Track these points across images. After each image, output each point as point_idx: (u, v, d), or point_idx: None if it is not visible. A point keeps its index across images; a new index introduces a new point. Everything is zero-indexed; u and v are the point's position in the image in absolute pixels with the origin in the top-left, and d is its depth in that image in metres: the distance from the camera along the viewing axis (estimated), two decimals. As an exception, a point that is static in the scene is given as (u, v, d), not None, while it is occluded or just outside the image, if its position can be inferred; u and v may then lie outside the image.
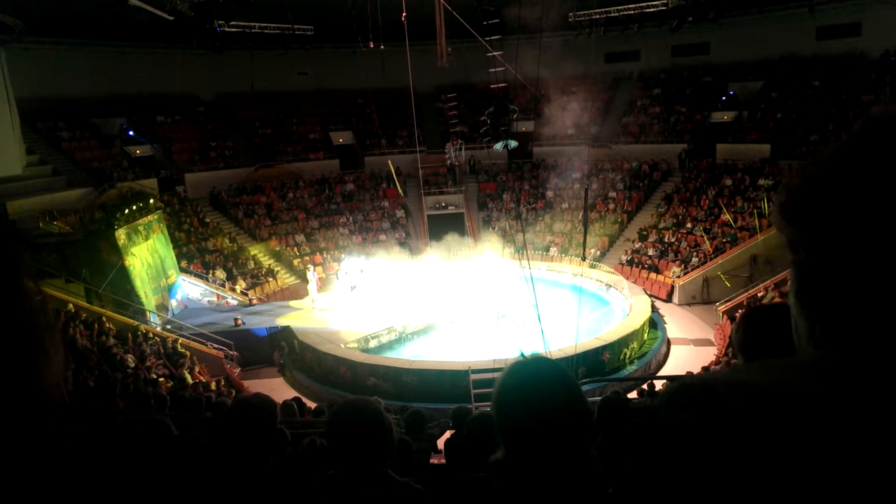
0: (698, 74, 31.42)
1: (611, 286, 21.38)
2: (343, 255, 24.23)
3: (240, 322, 18.52)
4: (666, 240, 24.46)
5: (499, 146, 24.48)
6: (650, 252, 24.39)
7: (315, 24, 27.03)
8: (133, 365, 12.97)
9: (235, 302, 21.69)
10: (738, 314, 17.29)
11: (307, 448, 3.42)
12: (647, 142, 30.10)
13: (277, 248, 26.34)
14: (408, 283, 20.63)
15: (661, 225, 25.35)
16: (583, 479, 1.29)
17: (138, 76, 28.71)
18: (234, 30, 24.29)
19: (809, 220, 0.66)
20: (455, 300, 19.27)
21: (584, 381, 12.64)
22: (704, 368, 14.39)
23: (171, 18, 20.68)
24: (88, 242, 17.35)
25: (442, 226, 27.88)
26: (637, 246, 25.14)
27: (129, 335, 15.19)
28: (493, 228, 28.29)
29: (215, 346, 17.04)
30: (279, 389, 15.68)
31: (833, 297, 0.66)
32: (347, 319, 18.58)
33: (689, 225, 24.49)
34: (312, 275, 20.63)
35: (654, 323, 18.81)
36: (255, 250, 25.78)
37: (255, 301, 21.80)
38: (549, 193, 29.76)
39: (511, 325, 17.37)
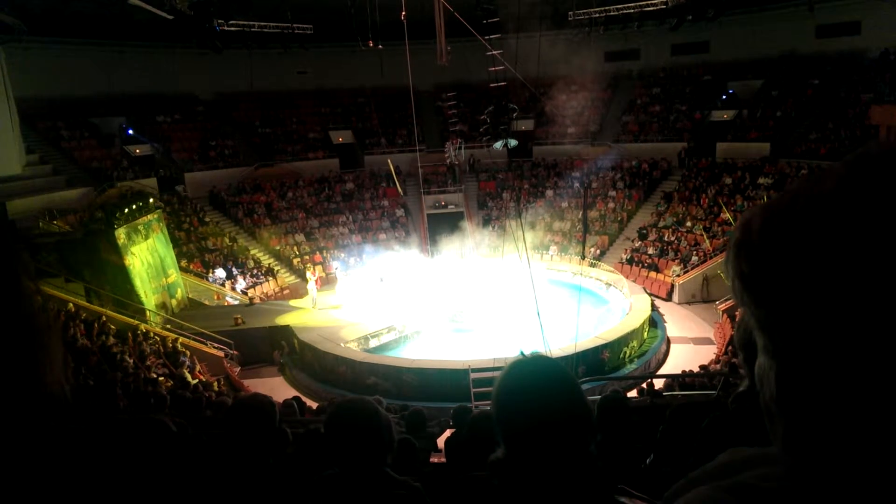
0: (698, 73, 31.41)
1: (611, 285, 21.37)
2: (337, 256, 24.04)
3: (240, 321, 18.51)
4: (666, 238, 24.46)
5: (498, 145, 24.51)
6: (650, 251, 24.39)
7: (314, 23, 27.04)
8: (133, 364, 12.97)
9: (235, 301, 21.69)
10: (738, 313, 17.31)
11: (309, 434, 3.42)
12: (646, 140, 30.11)
13: (277, 248, 26.33)
14: (409, 281, 20.61)
15: (661, 224, 25.35)
16: (582, 478, 1.29)
17: (138, 75, 28.67)
18: (233, 29, 24.31)
19: (792, 296, 0.44)
20: (456, 299, 19.26)
21: (584, 379, 12.64)
22: (703, 367, 14.43)
23: (171, 18, 20.69)
24: (88, 242, 17.33)
25: (442, 225, 27.88)
26: (637, 245, 25.13)
27: (129, 335, 15.19)
28: (493, 227, 28.27)
29: (215, 345, 17.04)
30: (279, 389, 15.68)
31: (815, 396, 0.47)
32: (348, 318, 18.58)
33: (688, 223, 24.48)
34: (311, 274, 20.66)
35: (654, 322, 18.81)
36: (255, 249, 25.78)
37: (255, 300, 21.79)
38: (549, 192, 29.76)
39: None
